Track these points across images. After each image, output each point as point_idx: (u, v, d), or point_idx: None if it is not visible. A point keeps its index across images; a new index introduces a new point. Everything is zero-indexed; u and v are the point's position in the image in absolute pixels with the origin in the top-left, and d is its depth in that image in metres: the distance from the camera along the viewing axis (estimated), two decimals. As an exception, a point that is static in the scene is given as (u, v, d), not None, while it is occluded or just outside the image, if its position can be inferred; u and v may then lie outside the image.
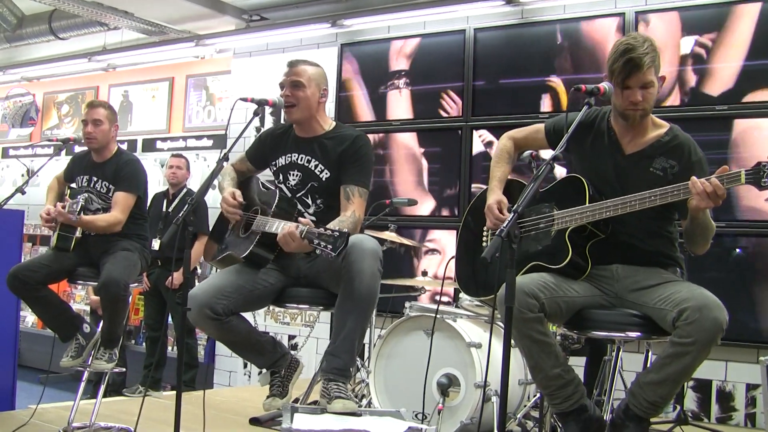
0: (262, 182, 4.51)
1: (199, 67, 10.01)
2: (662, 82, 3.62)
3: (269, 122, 8.23)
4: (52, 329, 5.17)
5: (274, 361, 4.27)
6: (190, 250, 3.71)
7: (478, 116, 7.23)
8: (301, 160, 4.32)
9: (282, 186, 4.36)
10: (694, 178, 3.27)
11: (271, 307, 7.81)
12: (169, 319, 8.25)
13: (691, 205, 3.32)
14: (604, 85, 3.51)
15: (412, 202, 6.22)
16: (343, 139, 4.29)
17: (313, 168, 4.28)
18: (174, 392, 3.76)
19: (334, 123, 4.43)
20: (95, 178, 5.28)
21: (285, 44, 8.57)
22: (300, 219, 3.82)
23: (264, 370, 4.31)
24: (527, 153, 4.77)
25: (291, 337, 8.16)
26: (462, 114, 7.30)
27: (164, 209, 7.72)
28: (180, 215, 3.57)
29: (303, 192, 4.30)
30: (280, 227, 3.87)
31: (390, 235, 5.85)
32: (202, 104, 9.88)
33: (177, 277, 7.20)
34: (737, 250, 6.09)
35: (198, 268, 8.35)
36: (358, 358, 5.67)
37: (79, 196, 5.10)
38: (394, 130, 7.69)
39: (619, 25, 6.52)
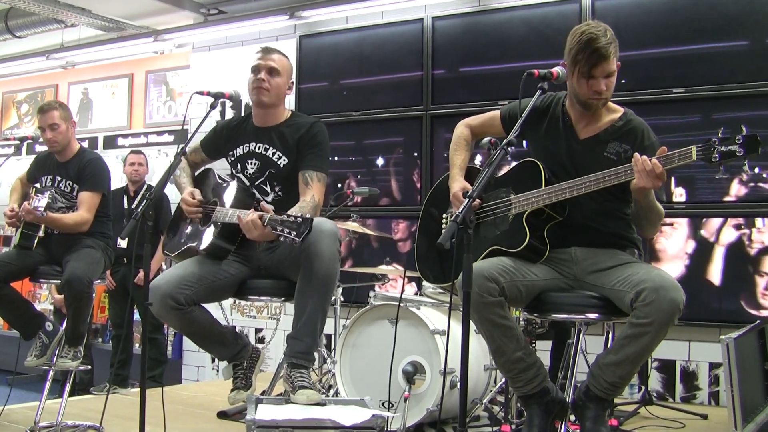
0: (218, 175, 4.52)
1: (158, 62, 9.93)
2: (618, 69, 3.64)
3: (230, 115, 8.22)
4: (14, 327, 5.16)
5: (237, 352, 4.28)
6: (152, 246, 3.71)
7: (438, 104, 7.24)
8: (258, 149, 4.37)
9: (240, 175, 4.39)
10: (636, 154, 3.31)
11: (237, 301, 7.82)
12: (136, 316, 8.23)
13: (633, 185, 3.36)
14: (557, 70, 3.53)
15: (373, 192, 6.23)
16: (300, 126, 4.36)
17: (270, 156, 4.33)
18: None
19: (290, 112, 4.50)
20: (59, 178, 5.27)
21: (244, 37, 8.53)
22: (262, 206, 3.83)
23: (226, 363, 4.32)
24: (486, 139, 4.80)
25: (258, 330, 8.16)
26: (422, 103, 7.31)
27: (126, 207, 7.68)
28: (139, 210, 3.58)
29: (261, 180, 4.34)
30: (241, 216, 3.89)
31: (353, 226, 5.87)
32: (162, 100, 9.81)
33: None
34: (702, 231, 6.13)
35: (164, 264, 8.32)
36: (324, 349, 5.70)
37: (45, 192, 5.07)
38: (355, 121, 7.68)
39: (575, 12, 6.58)
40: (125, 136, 10.07)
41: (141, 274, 7.21)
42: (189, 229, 4.34)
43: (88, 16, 8.67)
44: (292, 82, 4.52)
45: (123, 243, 7.18)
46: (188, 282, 4.03)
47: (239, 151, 4.43)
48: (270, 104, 4.37)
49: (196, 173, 4.64)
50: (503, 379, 4.94)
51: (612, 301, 3.51)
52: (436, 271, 4.08)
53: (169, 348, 8.74)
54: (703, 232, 6.12)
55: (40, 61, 10.50)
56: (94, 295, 5.04)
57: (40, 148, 5.73)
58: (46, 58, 10.34)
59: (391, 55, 7.56)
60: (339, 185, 7.65)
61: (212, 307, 4.37)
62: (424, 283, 5.30)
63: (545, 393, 3.60)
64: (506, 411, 4.78)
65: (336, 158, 7.69)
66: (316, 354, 4.14)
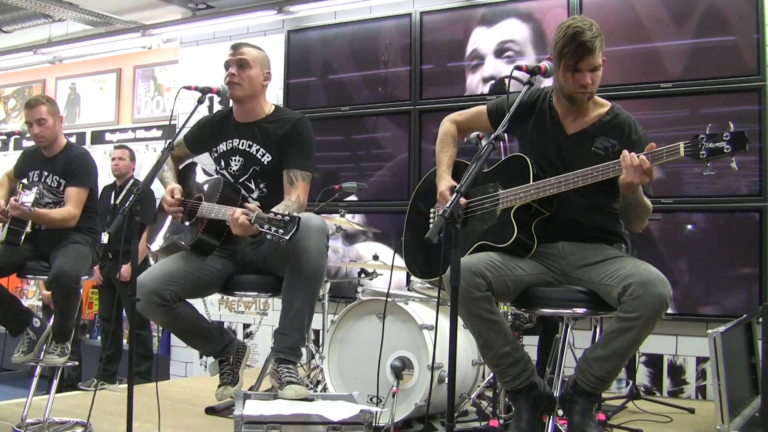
0: (203, 168, 4.50)
1: (146, 57, 9.91)
2: (604, 64, 3.65)
3: (218, 110, 8.19)
4: (1, 324, 5.14)
5: (222, 347, 4.27)
6: (138, 240, 3.69)
7: (426, 99, 7.24)
8: (242, 145, 4.33)
9: (224, 172, 4.35)
10: (625, 151, 3.32)
11: (224, 297, 7.80)
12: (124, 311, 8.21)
13: (621, 180, 3.36)
14: (545, 64, 3.54)
15: (361, 187, 6.22)
16: (284, 122, 4.30)
17: (254, 152, 4.29)
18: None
19: (273, 107, 4.45)
20: (46, 173, 5.24)
21: (232, 32, 8.50)
22: (246, 204, 3.82)
23: (212, 359, 4.31)
24: (474, 134, 4.80)
25: (246, 326, 8.15)
26: (410, 98, 7.31)
27: (112, 201, 7.68)
28: (126, 206, 3.56)
29: (246, 177, 4.30)
30: (227, 213, 3.86)
31: (341, 221, 5.86)
32: (150, 95, 9.79)
33: (126, 269, 7.17)
34: (689, 226, 6.15)
35: (151, 258, 8.30)
36: (312, 345, 5.69)
37: (33, 188, 5.05)
38: (343, 116, 7.67)
39: (563, 5, 6.59)
40: (113, 131, 10.05)
41: (123, 269, 7.25)
42: (174, 224, 4.33)
43: (75, 11, 8.65)
44: (269, 73, 4.42)
45: (104, 238, 7.15)
46: (173, 278, 4.01)
47: (222, 147, 4.39)
48: (245, 97, 4.32)
49: (181, 167, 4.62)
50: (491, 374, 4.94)
51: (599, 295, 3.51)
52: (423, 265, 4.08)
53: (157, 344, 8.72)
54: (691, 227, 6.14)
55: (27, 56, 10.48)
56: (81, 290, 5.02)
57: (28, 144, 5.69)
58: (33, 53, 10.31)
59: (380, 50, 7.55)
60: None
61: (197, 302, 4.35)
62: (412, 278, 5.30)
63: (533, 387, 3.60)
64: (494, 406, 4.79)
65: (324, 153, 7.67)
66: (303, 349, 4.12)
